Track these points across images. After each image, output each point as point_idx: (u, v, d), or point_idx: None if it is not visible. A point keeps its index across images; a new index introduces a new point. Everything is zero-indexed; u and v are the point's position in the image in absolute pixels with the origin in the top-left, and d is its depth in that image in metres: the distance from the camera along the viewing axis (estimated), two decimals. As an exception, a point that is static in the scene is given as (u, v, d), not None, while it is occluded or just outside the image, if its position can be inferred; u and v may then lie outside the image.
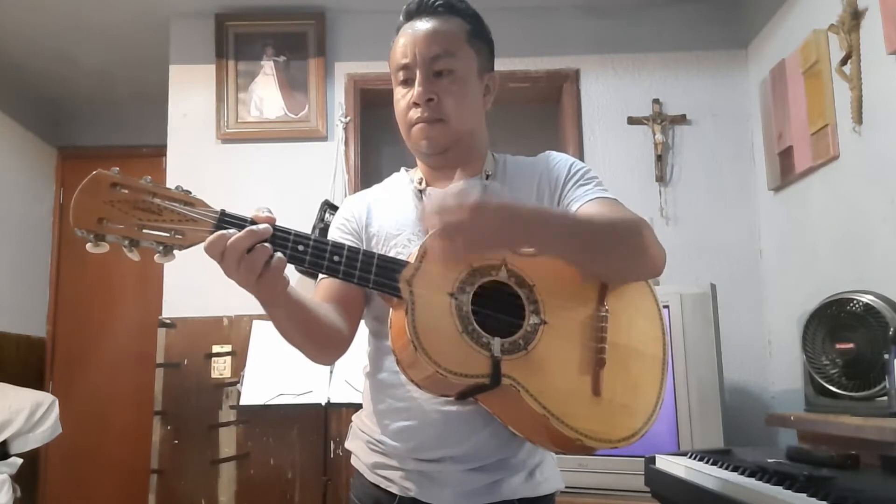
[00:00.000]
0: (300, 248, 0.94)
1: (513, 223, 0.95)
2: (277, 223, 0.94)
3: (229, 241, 0.88)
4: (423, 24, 1.15)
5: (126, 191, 0.88)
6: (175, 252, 0.90)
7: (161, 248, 0.89)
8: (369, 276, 0.97)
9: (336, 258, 0.96)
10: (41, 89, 4.08)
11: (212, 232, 0.90)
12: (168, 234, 0.89)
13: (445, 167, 1.19)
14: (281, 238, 0.93)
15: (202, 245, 0.90)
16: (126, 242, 0.88)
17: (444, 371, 0.93)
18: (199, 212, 0.91)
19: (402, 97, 1.17)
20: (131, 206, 0.88)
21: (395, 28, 1.20)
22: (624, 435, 1.03)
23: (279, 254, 0.91)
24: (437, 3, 1.17)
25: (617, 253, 1.07)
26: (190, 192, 0.92)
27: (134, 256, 0.89)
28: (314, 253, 0.95)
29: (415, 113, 1.15)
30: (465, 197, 0.92)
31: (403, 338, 0.95)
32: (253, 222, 0.92)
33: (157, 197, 0.89)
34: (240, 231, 0.89)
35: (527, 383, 0.97)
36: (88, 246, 0.88)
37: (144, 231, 0.88)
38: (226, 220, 0.91)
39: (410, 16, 1.18)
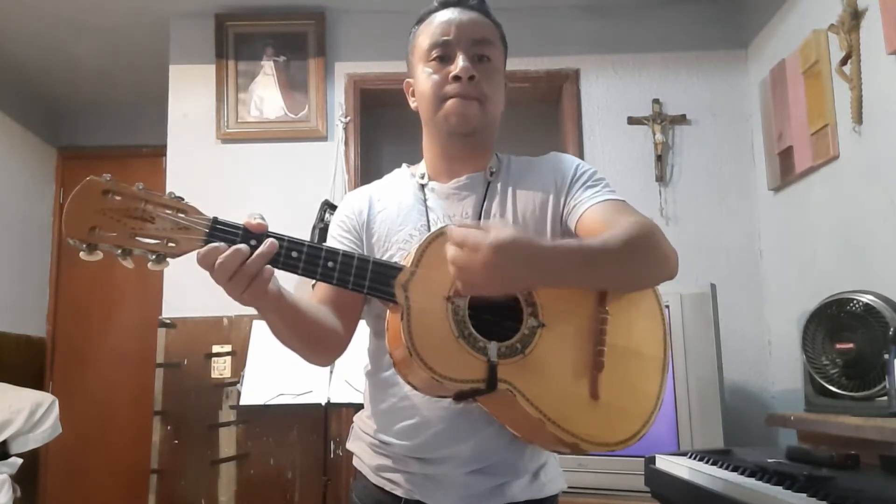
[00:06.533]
0: (293, 254, 0.93)
1: (529, 264, 0.92)
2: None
3: (219, 260, 0.88)
4: (464, 14, 1.16)
5: (118, 198, 0.88)
6: (168, 260, 0.90)
7: (154, 256, 0.89)
8: (364, 281, 0.96)
9: (330, 264, 0.95)
10: (41, 89, 4.08)
11: (204, 240, 0.89)
12: (161, 242, 0.89)
13: (458, 155, 1.19)
14: None
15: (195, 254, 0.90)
16: (119, 251, 0.88)
17: (438, 377, 0.93)
18: (191, 219, 0.90)
19: (436, 72, 1.15)
20: (123, 213, 0.88)
21: (418, 19, 1.20)
22: (621, 438, 1.02)
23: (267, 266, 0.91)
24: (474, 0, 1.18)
25: (634, 270, 1.06)
26: (182, 199, 0.91)
27: (128, 264, 0.89)
28: (308, 259, 0.94)
29: (453, 88, 1.13)
30: (482, 237, 0.89)
31: (399, 343, 0.95)
32: (245, 229, 0.91)
33: (149, 204, 0.89)
34: (233, 240, 0.89)
35: (523, 387, 0.97)
36: (81, 255, 0.87)
37: (137, 239, 0.88)
38: (218, 227, 0.91)
39: (447, 5, 1.18)
